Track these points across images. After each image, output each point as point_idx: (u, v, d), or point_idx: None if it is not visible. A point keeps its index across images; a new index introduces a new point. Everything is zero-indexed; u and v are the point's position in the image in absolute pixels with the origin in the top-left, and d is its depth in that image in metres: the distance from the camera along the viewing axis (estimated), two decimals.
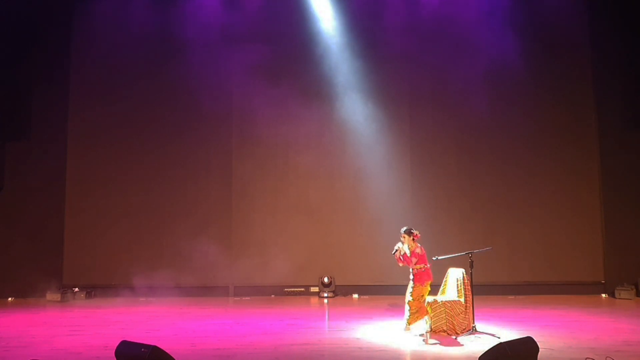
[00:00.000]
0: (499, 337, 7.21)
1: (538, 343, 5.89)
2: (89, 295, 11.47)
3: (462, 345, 7.11)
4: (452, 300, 7.72)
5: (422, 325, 7.69)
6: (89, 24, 12.06)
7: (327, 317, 9.43)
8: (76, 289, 11.42)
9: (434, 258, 8.20)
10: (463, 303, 7.68)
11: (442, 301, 7.70)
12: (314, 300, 11.34)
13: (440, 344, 7.19)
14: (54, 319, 9.27)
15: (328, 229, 11.78)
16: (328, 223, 11.80)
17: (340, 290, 11.70)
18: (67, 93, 12.02)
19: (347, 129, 11.91)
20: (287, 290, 11.71)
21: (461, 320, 7.62)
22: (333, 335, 7.88)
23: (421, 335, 7.48)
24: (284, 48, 11.91)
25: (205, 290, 11.52)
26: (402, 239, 7.82)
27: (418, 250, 7.74)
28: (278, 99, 11.72)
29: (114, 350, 5.82)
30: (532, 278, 11.44)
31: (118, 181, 11.88)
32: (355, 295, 11.62)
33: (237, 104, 11.98)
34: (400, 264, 7.92)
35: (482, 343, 7.05)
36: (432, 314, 7.72)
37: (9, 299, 11.27)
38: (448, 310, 7.63)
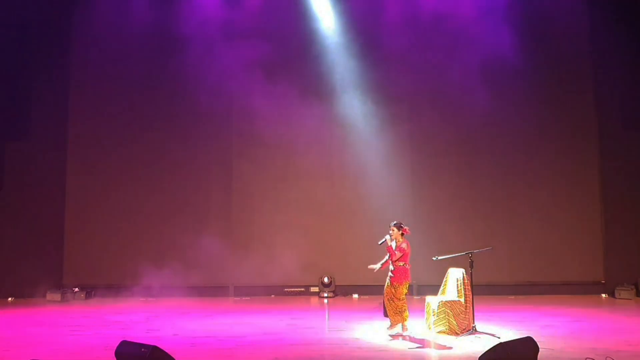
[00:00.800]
0: (499, 337, 7.21)
1: (538, 343, 5.89)
2: (89, 295, 11.47)
3: (462, 345, 7.10)
4: (452, 300, 7.72)
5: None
6: (88, 23, 12.04)
7: (327, 317, 9.43)
8: (76, 289, 11.42)
9: (434, 258, 8.21)
10: (463, 303, 7.68)
11: (442, 301, 7.71)
12: (314, 300, 11.34)
13: (441, 344, 7.19)
14: (54, 319, 9.27)
15: (328, 228, 11.77)
16: (328, 223, 11.79)
17: (340, 290, 11.70)
18: (67, 93, 12.02)
19: (348, 127, 11.90)
20: (287, 290, 11.71)
21: (461, 320, 7.62)
22: (333, 335, 7.88)
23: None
24: (283, 46, 11.89)
25: (205, 290, 11.51)
26: (390, 232, 7.74)
27: (404, 246, 7.62)
28: (278, 98, 11.69)
29: (114, 350, 5.82)
30: (532, 278, 11.43)
31: (118, 181, 11.87)
32: (355, 295, 11.62)
33: (238, 103, 11.95)
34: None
35: (482, 343, 7.05)
36: (433, 315, 7.74)
37: (9, 299, 11.26)
38: (448, 310, 7.63)
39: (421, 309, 8.37)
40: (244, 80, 11.80)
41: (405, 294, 7.65)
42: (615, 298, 10.96)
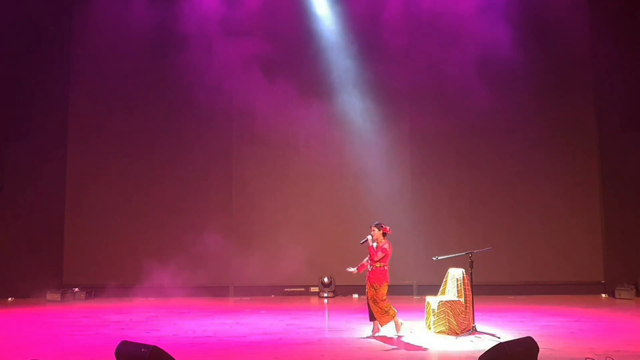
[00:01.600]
0: (499, 337, 7.20)
1: (538, 343, 5.89)
2: (89, 295, 11.48)
3: (462, 345, 7.10)
4: (452, 300, 7.72)
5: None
6: (88, 23, 12.07)
7: (327, 317, 9.43)
8: (76, 289, 11.42)
9: (434, 258, 8.20)
10: (463, 303, 7.68)
11: (442, 301, 7.71)
12: (314, 300, 11.33)
13: (441, 344, 7.19)
14: (54, 319, 9.26)
15: (328, 228, 11.77)
16: (328, 223, 11.80)
17: (340, 290, 11.70)
18: (67, 93, 12.03)
19: (348, 127, 11.92)
20: (287, 290, 11.71)
21: (461, 321, 7.62)
22: (333, 335, 7.88)
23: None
24: (283, 45, 11.91)
25: (205, 290, 11.51)
26: (372, 232, 7.69)
27: (386, 246, 7.57)
28: (278, 96, 11.71)
29: (114, 350, 5.82)
30: (532, 278, 11.44)
31: (118, 181, 11.88)
32: (355, 295, 11.61)
33: (238, 101, 11.98)
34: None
35: (482, 343, 7.05)
36: (433, 315, 7.73)
37: (9, 299, 11.27)
38: (448, 310, 7.62)
39: (421, 309, 8.37)
40: (244, 78, 11.82)
41: (386, 294, 7.57)
42: (615, 298, 10.96)
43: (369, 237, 7.69)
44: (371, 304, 7.61)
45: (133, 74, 12.03)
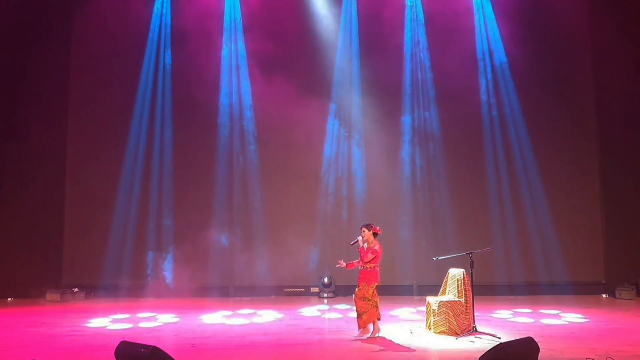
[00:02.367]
0: (499, 338, 7.20)
1: (539, 343, 5.89)
2: (89, 295, 11.46)
3: (462, 345, 7.10)
4: (453, 301, 7.71)
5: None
6: (87, 22, 12.03)
7: (327, 317, 9.43)
8: (76, 289, 11.40)
9: (434, 258, 8.20)
10: (463, 303, 7.68)
11: (442, 301, 7.70)
12: (314, 300, 11.33)
13: (441, 344, 7.19)
14: (54, 319, 9.25)
15: (328, 228, 11.75)
16: (328, 223, 11.78)
17: (340, 290, 11.68)
18: (67, 92, 12.01)
19: (347, 125, 11.91)
20: (287, 291, 11.70)
21: (461, 321, 7.62)
22: (333, 335, 7.88)
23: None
24: (282, 43, 11.88)
25: (205, 290, 11.49)
26: (362, 233, 7.63)
27: (376, 247, 7.52)
28: (278, 96, 11.69)
29: (114, 350, 5.82)
30: (532, 278, 11.41)
31: (118, 181, 11.85)
32: None
33: (238, 100, 11.96)
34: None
35: (482, 343, 7.05)
36: (433, 315, 7.73)
37: (9, 299, 11.25)
38: (448, 311, 7.62)
39: (421, 309, 8.36)
40: (244, 76, 11.80)
41: (373, 294, 7.50)
42: (616, 298, 10.95)
43: (360, 237, 7.64)
44: (357, 301, 7.52)
45: (133, 75, 12.00)
